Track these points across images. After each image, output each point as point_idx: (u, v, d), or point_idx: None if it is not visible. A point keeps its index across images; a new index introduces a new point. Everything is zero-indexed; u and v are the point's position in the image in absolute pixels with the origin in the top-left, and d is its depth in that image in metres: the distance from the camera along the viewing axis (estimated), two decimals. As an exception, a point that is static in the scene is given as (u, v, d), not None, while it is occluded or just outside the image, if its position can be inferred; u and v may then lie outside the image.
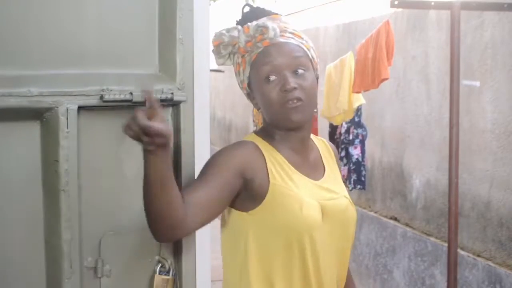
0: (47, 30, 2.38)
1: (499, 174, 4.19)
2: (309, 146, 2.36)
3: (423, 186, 5.03)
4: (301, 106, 2.19)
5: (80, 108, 2.38)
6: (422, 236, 4.93)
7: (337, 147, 5.12)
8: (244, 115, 8.75)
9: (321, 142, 2.49)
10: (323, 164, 2.37)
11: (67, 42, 2.41)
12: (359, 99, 5.02)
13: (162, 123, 1.97)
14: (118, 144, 2.47)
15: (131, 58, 2.48)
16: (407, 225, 5.24)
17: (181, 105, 2.49)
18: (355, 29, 5.96)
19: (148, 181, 2.12)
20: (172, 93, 2.45)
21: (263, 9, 2.39)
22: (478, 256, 4.33)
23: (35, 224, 2.39)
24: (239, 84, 2.36)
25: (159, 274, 2.53)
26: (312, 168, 2.29)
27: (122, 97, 2.39)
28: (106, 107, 2.41)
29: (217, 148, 8.16)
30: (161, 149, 2.03)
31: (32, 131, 2.38)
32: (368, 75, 4.49)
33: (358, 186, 4.98)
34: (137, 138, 1.99)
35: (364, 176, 4.96)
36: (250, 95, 2.34)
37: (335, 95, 5.05)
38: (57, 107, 2.34)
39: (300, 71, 2.22)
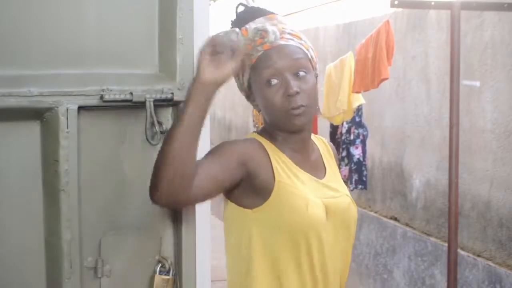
0: (47, 30, 2.38)
1: (499, 174, 4.19)
2: (310, 146, 2.37)
3: (423, 186, 5.03)
4: (304, 111, 2.19)
5: (80, 108, 2.38)
6: (422, 236, 4.93)
7: (338, 147, 5.12)
8: (244, 115, 8.75)
9: (320, 142, 2.49)
10: (324, 163, 2.38)
11: (67, 42, 2.41)
12: (359, 99, 5.02)
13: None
14: (118, 144, 2.47)
15: (131, 58, 2.48)
16: (407, 225, 5.24)
17: (181, 105, 2.49)
18: (355, 29, 5.96)
19: (182, 123, 2.11)
20: (172, 93, 2.45)
21: (259, 8, 2.38)
22: (478, 256, 4.33)
23: (35, 224, 2.39)
24: (238, 87, 2.35)
25: (159, 274, 2.53)
26: (314, 167, 2.29)
27: (122, 97, 2.39)
28: (106, 107, 2.41)
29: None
30: (216, 75, 2.06)
31: (32, 131, 2.38)
32: (368, 75, 4.49)
33: (360, 186, 4.99)
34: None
35: (366, 176, 4.96)
36: (250, 97, 2.33)
37: (335, 95, 5.05)
38: (57, 107, 2.34)
39: (301, 73, 2.21)
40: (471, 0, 3.91)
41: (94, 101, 2.39)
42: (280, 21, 2.35)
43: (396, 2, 3.91)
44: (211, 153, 2.24)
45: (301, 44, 2.28)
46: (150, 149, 2.49)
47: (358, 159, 4.98)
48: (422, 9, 4.71)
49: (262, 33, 2.21)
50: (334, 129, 5.39)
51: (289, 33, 2.28)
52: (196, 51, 2.53)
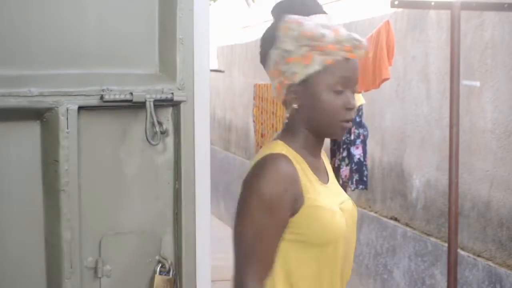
0: (47, 31, 2.38)
1: (499, 174, 4.19)
2: None
3: (423, 186, 5.04)
4: (349, 125, 2.16)
5: (80, 108, 2.38)
6: (422, 236, 4.93)
7: (339, 147, 5.12)
8: (244, 115, 8.75)
9: None
10: (325, 166, 2.36)
11: (67, 42, 2.41)
12: (360, 99, 5.02)
13: None
14: (118, 144, 2.47)
15: (131, 58, 2.48)
16: (407, 225, 5.24)
17: (181, 105, 2.49)
18: (355, 29, 5.97)
19: None
20: (172, 93, 2.45)
21: (319, 4, 2.19)
22: (478, 256, 4.34)
23: (35, 224, 2.39)
24: (279, 74, 2.06)
25: (159, 274, 2.53)
26: (321, 171, 2.25)
27: (122, 97, 2.39)
28: (106, 107, 2.41)
29: (217, 148, 8.02)
30: None
31: (32, 131, 2.38)
32: (369, 75, 4.49)
33: (360, 186, 4.99)
34: None
35: (366, 176, 4.96)
36: (292, 90, 2.07)
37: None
38: (57, 107, 2.34)
39: (355, 91, 2.15)
40: (471, 0, 3.91)
41: (94, 101, 2.39)
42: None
43: (396, 2, 3.91)
44: (260, 227, 1.98)
45: None
46: (150, 149, 2.49)
47: (359, 159, 4.99)
48: (422, 9, 4.71)
49: (356, 43, 2.05)
50: (334, 129, 5.39)
51: None
52: (196, 51, 2.53)
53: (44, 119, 2.36)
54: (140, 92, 2.40)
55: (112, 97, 2.38)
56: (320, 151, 2.22)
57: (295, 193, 2.00)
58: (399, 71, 5.29)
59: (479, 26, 4.44)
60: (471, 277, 4.35)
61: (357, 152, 5.01)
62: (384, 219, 5.61)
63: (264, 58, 2.08)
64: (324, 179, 2.23)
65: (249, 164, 2.05)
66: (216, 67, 9.60)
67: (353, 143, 5.04)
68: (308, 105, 2.07)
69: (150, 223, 2.52)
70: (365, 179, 5.04)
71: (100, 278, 2.47)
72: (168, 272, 2.54)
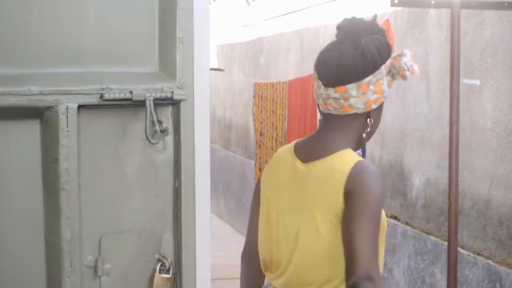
0: (47, 29, 2.38)
1: (499, 172, 4.19)
2: None
3: (423, 184, 5.04)
4: None
5: (80, 106, 2.38)
6: (422, 235, 4.94)
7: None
8: (244, 114, 8.75)
9: None
10: None
11: (67, 41, 2.41)
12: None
13: None
14: (118, 143, 2.47)
15: (131, 57, 2.48)
16: (407, 223, 5.24)
17: (181, 104, 2.49)
18: (355, 27, 5.97)
19: None
20: (172, 92, 2.45)
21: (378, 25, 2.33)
22: (478, 254, 4.34)
23: (35, 223, 2.39)
24: (381, 92, 2.19)
25: (159, 272, 2.53)
26: None
27: (122, 95, 2.39)
28: (106, 106, 2.41)
29: (217, 147, 8.05)
30: None
31: (32, 129, 2.38)
32: (368, 73, 4.49)
33: (359, 185, 4.97)
34: None
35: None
36: (379, 108, 2.25)
37: (335, 93, 5.05)
38: (57, 106, 2.34)
39: None
40: (471, -1, 3.91)
41: (94, 100, 2.39)
42: None
43: (396, 1, 3.91)
44: (375, 230, 2.11)
45: None
46: (150, 147, 2.49)
47: (358, 158, 4.99)
48: (422, 8, 4.71)
49: (412, 68, 2.22)
50: (334, 128, 5.39)
51: None
52: (196, 50, 2.53)
53: (44, 118, 2.37)
54: (140, 90, 2.40)
55: (112, 96, 2.38)
56: None
57: None
58: (399, 69, 5.30)
59: (479, 24, 4.44)
60: (471, 275, 4.36)
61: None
62: (384, 217, 5.61)
63: (359, 74, 2.15)
64: None
65: (339, 173, 2.14)
66: (216, 66, 9.60)
67: (352, 141, 5.04)
68: (374, 124, 2.27)
69: (150, 222, 2.52)
70: (365, 177, 5.03)
71: (100, 276, 2.47)
72: (168, 270, 2.54)
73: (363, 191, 2.10)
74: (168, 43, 2.49)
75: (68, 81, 2.37)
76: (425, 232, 5.00)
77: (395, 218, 5.48)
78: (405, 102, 5.28)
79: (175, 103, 2.49)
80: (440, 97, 4.84)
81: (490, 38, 4.34)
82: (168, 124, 2.50)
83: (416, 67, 2.24)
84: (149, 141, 2.44)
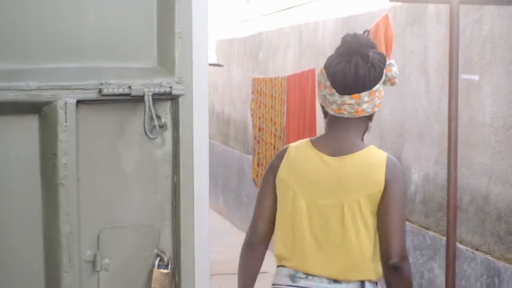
0: (45, 24, 2.38)
1: (497, 168, 4.19)
2: None
3: (421, 180, 5.04)
4: None
5: (79, 102, 2.38)
6: (420, 230, 4.94)
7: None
8: (243, 109, 8.75)
9: None
10: None
11: (65, 36, 2.40)
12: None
13: None
14: (116, 138, 2.47)
15: (130, 52, 2.48)
16: (406, 219, 5.25)
17: (180, 99, 2.49)
18: (354, 23, 5.96)
19: None
20: (171, 87, 2.45)
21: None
22: (477, 249, 4.34)
23: (34, 218, 2.39)
24: (372, 107, 2.55)
25: (158, 268, 2.53)
26: None
27: (120, 91, 2.39)
28: (105, 101, 2.41)
29: (216, 142, 8.05)
30: None
31: (30, 125, 2.38)
32: (367, 69, 4.48)
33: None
34: None
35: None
36: (370, 117, 2.61)
37: (334, 89, 5.05)
38: (56, 101, 2.34)
39: None
40: (470, -6, 3.90)
41: (92, 95, 2.39)
42: None
43: (395, -4, 3.91)
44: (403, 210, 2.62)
45: None
46: (148, 143, 2.49)
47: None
48: (421, 3, 4.69)
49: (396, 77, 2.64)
50: (333, 123, 5.39)
51: None
52: (195, 45, 2.53)
53: (42, 113, 2.36)
54: (138, 86, 2.40)
55: (110, 91, 2.38)
56: None
57: None
58: (398, 65, 5.29)
59: (478, 20, 4.44)
60: (469, 270, 4.36)
61: (355, 146, 5.02)
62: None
63: (371, 83, 2.52)
64: None
65: (376, 164, 2.52)
66: (215, 61, 9.59)
67: (351, 137, 5.04)
68: (372, 120, 2.64)
69: (148, 217, 2.52)
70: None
71: (98, 271, 2.47)
72: (167, 265, 2.54)
73: (399, 181, 2.52)
74: (166, 38, 2.48)
75: (66, 76, 2.37)
76: (424, 227, 5.00)
77: (394, 213, 5.48)
78: (404, 98, 5.28)
79: (173, 98, 2.49)
80: (439, 92, 4.84)
81: (489, 34, 4.34)
82: (166, 119, 2.50)
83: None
84: (147, 136, 2.44)
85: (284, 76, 5.58)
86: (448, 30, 3.90)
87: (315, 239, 2.50)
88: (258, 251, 2.61)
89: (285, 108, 5.53)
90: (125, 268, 2.50)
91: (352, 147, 2.53)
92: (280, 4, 7.68)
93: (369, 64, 2.51)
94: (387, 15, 4.29)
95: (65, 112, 2.35)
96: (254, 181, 6.08)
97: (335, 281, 2.49)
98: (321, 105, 2.63)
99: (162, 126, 2.48)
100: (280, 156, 2.60)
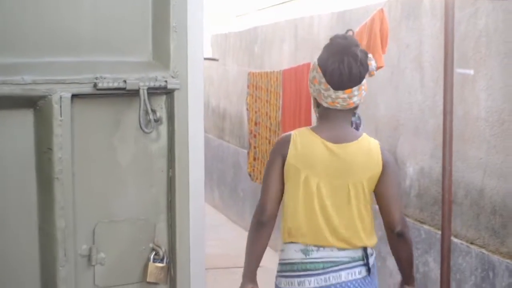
0: (41, 19, 2.37)
1: (492, 162, 4.20)
2: None
3: (416, 174, 5.05)
4: None
5: (74, 96, 2.38)
6: (415, 224, 4.94)
7: (331, 135, 5.10)
8: (239, 104, 8.74)
9: None
10: None
11: (61, 30, 2.40)
12: (353, 87, 5.02)
13: None
14: (112, 132, 2.47)
15: (125, 46, 2.48)
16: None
17: (175, 93, 2.49)
18: (349, 17, 5.95)
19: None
20: (166, 81, 2.45)
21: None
22: (472, 243, 4.34)
23: (29, 212, 2.39)
24: (360, 99, 2.91)
25: (153, 261, 2.53)
26: None
27: (115, 85, 2.39)
28: (100, 95, 2.41)
29: (211, 136, 8.02)
30: None
31: (25, 119, 2.38)
32: (362, 63, 4.48)
33: (352, 174, 4.96)
34: None
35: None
36: (356, 108, 2.95)
37: (329, 83, 5.05)
38: (51, 95, 2.34)
39: None
40: (465, -12, 3.90)
41: (87, 89, 2.39)
42: None
43: (390, -10, 3.91)
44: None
45: None
46: (143, 137, 2.49)
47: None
48: (416, -3, 4.70)
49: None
50: (328, 117, 5.39)
51: None
52: (190, 39, 2.53)
53: (38, 107, 2.36)
54: (133, 80, 2.40)
55: (105, 85, 2.38)
56: None
57: None
58: (393, 59, 5.29)
59: (473, 14, 4.44)
60: (464, 264, 4.37)
61: (351, 140, 5.02)
62: (377, 207, 5.62)
63: (361, 79, 2.85)
64: None
65: (375, 152, 2.92)
66: (210, 56, 9.58)
67: (347, 131, 5.04)
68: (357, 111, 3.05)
69: (144, 211, 2.52)
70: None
71: (94, 265, 2.47)
72: (162, 259, 2.54)
73: (393, 163, 2.97)
74: (162, 32, 2.48)
75: (61, 71, 2.37)
76: (419, 221, 5.01)
77: (389, 207, 5.49)
78: (399, 92, 5.29)
79: (169, 92, 2.49)
80: (434, 86, 4.84)
81: (484, 28, 4.34)
82: (162, 113, 2.50)
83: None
84: (143, 130, 2.44)
85: (280, 70, 5.57)
86: (443, 24, 3.90)
87: (324, 215, 2.83)
88: (267, 230, 2.85)
89: (281, 102, 5.53)
90: (121, 262, 2.50)
91: (350, 136, 2.90)
92: (275, -1, 7.68)
93: (359, 63, 2.83)
94: (382, 9, 4.29)
95: (60, 106, 2.35)
96: (249, 175, 6.07)
97: (343, 249, 2.85)
98: (313, 97, 2.95)
99: (158, 120, 2.48)
100: (285, 143, 2.87)
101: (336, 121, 2.90)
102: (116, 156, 2.47)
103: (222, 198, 9.23)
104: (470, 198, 4.43)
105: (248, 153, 6.08)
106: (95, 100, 2.42)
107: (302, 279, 2.83)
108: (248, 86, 6.08)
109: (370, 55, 2.95)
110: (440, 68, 4.18)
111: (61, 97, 2.34)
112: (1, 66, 2.31)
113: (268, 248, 2.93)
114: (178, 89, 2.47)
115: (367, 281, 2.90)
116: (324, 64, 2.84)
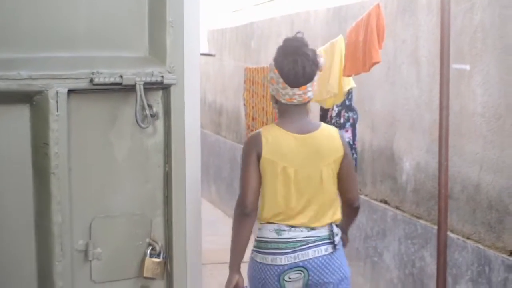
0: (37, 14, 2.37)
1: (488, 157, 4.21)
2: None
3: (413, 169, 5.05)
4: None
5: (70, 91, 2.38)
6: (412, 219, 4.95)
7: (328, 130, 5.11)
8: (235, 99, 8.74)
9: None
10: None
11: (57, 25, 2.40)
12: (350, 83, 5.02)
13: None
14: (108, 127, 2.47)
15: (121, 41, 2.48)
16: (397, 208, 5.26)
17: (171, 88, 2.49)
18: (345, 12, 5.95)
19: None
20: (162, 76, 2.45)
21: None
22: (468, 238, 4.36)
23: (26, 207, 2.39)
24: (313, 94, 3.28)
25: (150, 257, 2.53)
26: None
27: (112, 80, 2.39)
28: (96, 90, 2.41)
29: (208, 132, 8.01)
30: None
31: (21, 114, 2.38)
32: (359, 58, 4.48)
33: (349, 169, 4.97)
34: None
35: (356, 159, 4.97)
36: (309, 101, 3.32)
37: (326, 78, 5.06)
38: (47, 90, 2.34)
39: None
40: (462, -17, 3.90)
41: (84, 84, 2.39)
42: None
43: (386, -15, 3.91)
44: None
45: None
46: (140, 132, 2.49)
47: (348, 142, 4.99)
48: (413, -8, 4.70)
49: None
50: (324, 113, 5.40)
51: None
52: (186, 34, 2.53)
53: (34, 102, 2.36)
54: (130, 75, 2.40)
55: (102, 80, 2.38)
56: None
57: None
58: (389, 54, 5.30)
59: (469, 9, 4.44)
60: (460, 259, 4.38)
61: (346, 135, 5.02)
62: (374, 202, 5.63)
63: (314, 76, 3.22)
64: None
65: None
66: (206, 51, 9.57)
67: (342, 126, 5.05)
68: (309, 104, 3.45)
69: (140, 206, 2.52)
70: (354, 162, 5.04)
71: (90, 261, 2.47)
72: (159, 255, 2.55)
73: (348, 147, 3.41)
74: (158, 27, 2.48)
75: (58, 66, 2.36)
76: (415, 216, 5.02)
77: (385, 202, 5.50)
78: (395, 87, 5.29)
79: (165, 88, 2.49)
80: (430, 82, 4.85)
81: (480, 23, 4.35)
82: (158, 108, 2.50)
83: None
84: (139, 125, 2.44)
85: (276, 66, 5.55)
86: (439, 19, 3.91)
87: (300, 197, 3.20)
88: (250, 220, 3.20)
89: (277, 97, 5.52)
90: (117, 257, 2.50)
91: (312, 126, 3.28)
92: (271, -6, 7.67)
93: (311, 62, 3.18)
94: (378, 5, 4.29)
95: (57, 102, 2.35)
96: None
97: (312, 229, 3.21)
98: (272, 95, 3.31)
99: (154, 116, 2.48)
100: (257, 141, 3.20)
101: (295, 115, 3.26)
102: (112, 151, 2.47)
103: (219, 193, 9.23)
104: (466, 193, 4.43)
105: (245, 148, 6.06)
106: (92, 95, 2.42)
107: (274, 256, 3.17)
108: (244, 82, 6.08)
109: (318, 53, 3.28)
110: (436, 63, 4.18)
111: (57, 92, 2.34)
112: (-3, 61, 2.30)
113: (250, 243, 3.24)
114: (174, 84, 2.47)
115: (333, 257, 3.24)
116: (280, 65, 3.19)
